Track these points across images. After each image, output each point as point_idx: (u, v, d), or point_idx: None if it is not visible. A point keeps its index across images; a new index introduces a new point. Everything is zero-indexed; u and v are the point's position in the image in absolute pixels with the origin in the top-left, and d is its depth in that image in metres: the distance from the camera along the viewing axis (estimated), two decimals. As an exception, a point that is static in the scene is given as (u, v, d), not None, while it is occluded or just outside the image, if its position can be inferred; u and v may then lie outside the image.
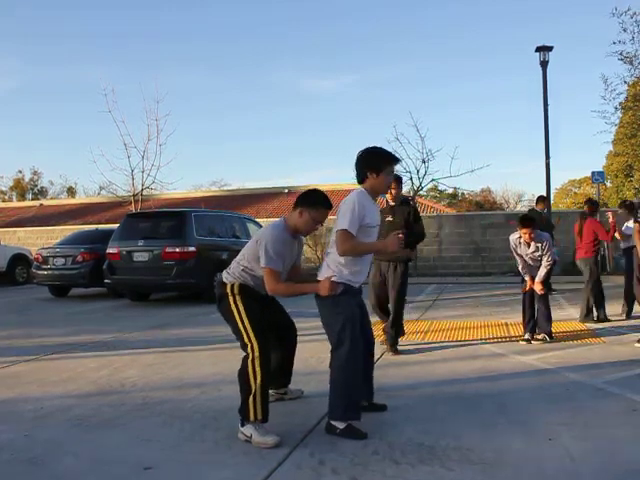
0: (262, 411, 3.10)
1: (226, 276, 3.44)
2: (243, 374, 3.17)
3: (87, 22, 68.97)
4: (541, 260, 5.71)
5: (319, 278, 3.28)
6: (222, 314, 3.42)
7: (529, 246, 5.72)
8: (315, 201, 3.37)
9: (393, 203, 5.35)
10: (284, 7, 70.88)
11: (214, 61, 75.86)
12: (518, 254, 5.86)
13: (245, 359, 3.20)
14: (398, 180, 5.38)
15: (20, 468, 2.85)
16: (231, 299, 3.33)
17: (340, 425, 3.16)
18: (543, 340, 5.75)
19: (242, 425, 3.14)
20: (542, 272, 5.69)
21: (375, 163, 3.33)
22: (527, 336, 5.80)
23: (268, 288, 3.28)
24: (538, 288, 5.73)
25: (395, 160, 3.43)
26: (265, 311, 3.46)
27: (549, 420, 3.37)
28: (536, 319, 5.85)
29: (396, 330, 5.35)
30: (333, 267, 3.26)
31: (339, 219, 3.23)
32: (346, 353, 3.17)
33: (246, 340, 3.22)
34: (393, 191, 5.24)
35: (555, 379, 4.32)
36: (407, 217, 5.35)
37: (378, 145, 3.46)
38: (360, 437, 3.11)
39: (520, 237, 5.76)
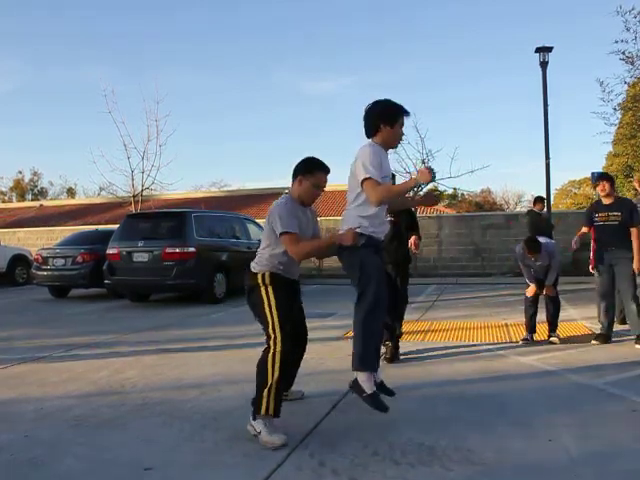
0: (274, 406, 3.09)
1: (254, 266, 3.38)
2: (262, 366, 3.14)
3: (87, 23, 69.09)
4: (548, 266, 5.73)
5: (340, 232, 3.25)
6: (251, 305, 3.37)
7: (537, 259, 5.75)
8: (311, 167, 3.37)
9: None
10: (284, 8, 70.99)
11: (214, 62, 75.97)
12: (525, 265, 5.85)
13: (266, 351, 3.17)
14: (392, 177, 5.33)
15: (20, 468, 2.85)
16: (263, 289, 3.28)
17: (367, 389, 3.14)
18: (557, 341, 5.70)
19: (254, 418, 3.12)
20: (552, 277, 5.73)
21: (389, 114, 3.26)
22: (527, 336, 5.81)
23: (291, 252, 3.21)
24: (549, 291, 5.76)
25: (407, 113, 3.36)
26: (293, 306, 3.43)
27: (549, 421, 3.37)
28: (547, 318, 5.87)
29: (399, 332, 5.33)
30: (353, 222, 3.22)
31: (359, 170, 3.15)
32: (368, 305, 3.12)
33: (270, 331, 3.19)
34: None
35: (555, 380, 4.32)
36: (408, 217, 5.37)
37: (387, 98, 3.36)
38: (382, 409, 3.12)
39: (523, 247, 5.79)
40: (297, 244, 3.20)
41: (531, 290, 5.86)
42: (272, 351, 3.14)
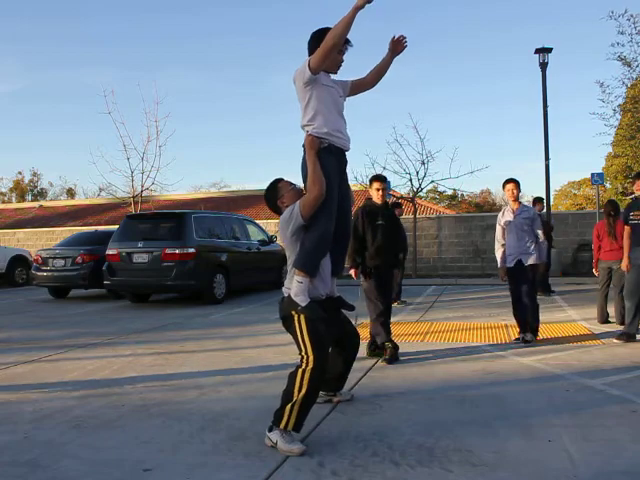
0: (295, 423, 3.00)
1: (285, 290, 3.32)
2: (291, 380, 3.08)
3: (87, 24, 69.15)
4: (528, 231, 5.73)
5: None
6: (286, 328, 3.31)
7: (514, 211, 5.81)
8: (277, 190, 3.45)
9: (380, 203, 5.29)
10: (284, 8, 71.04)
11: (214, 62, 76.03)
12: (502, 226, 5.89)
13: (298, 366, 3.11)
14: (383, 180, 5.36)
15: (19, 469, 2.84)
16: (296, 319, 3.18)
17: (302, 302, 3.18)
18: (531, 340, 5.64)
19: (270, 430, 3.05)
20: (543, 249, 5.78)
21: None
22: (525, 336, 5.76)
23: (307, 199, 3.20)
24: (541, 268, 5.82)
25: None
26: (330, 322, 3.35)
27: (549, 421, 3.37)
28: (526, 317, 5.79)
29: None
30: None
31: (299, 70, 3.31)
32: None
33: (303, 353, 3.12)
34: (381, 192, 5.22)
35: (555, 380, 4.32)
36: (396, 220, 5.44)
37: None
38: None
39: (506, 208, 5.91)
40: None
41: (502, 273, 5.89)
42: (303, 367, 3.06)
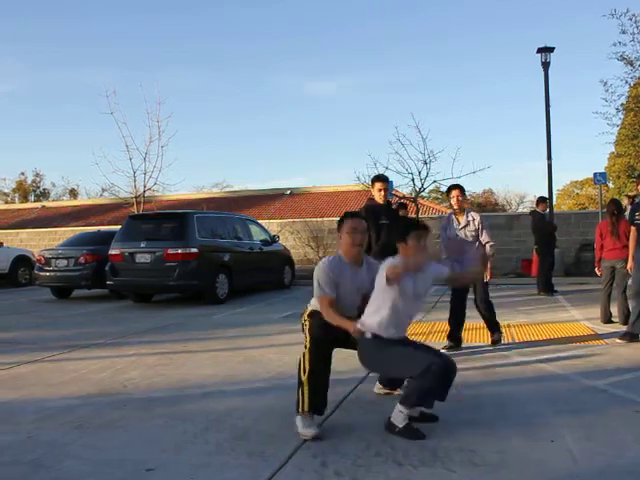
0: (308, 404, 3.21)
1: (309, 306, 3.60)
2: (298, 366, 3.32)
3: (88, 24, 69.30)
4: (475, 238, 5.41)
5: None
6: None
7: (459, 222, 5.45)
8: (340, 220, 3.60)
9: (382, 202, 5.31)
10: (284, 9, 71.07)
11: (216, 63, 76.10)
12: (448, 236, 5.54)
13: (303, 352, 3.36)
14: (385, 180, 5.36)
15: (22, 469, 2.85)
16: (304, 321, 3.50)
17: (400, 424, 3.14)
18: (499, 339, 5.56)
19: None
20: (488, 252, 5.35)
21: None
22: (450, 343, 5.58)
23: (320, 311, 3.41)
24: (488, 275, 5.50)
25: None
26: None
27: (552, 422, 3.36)
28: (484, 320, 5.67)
29: None
30: (366, 318, 3.33)
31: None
32: (418, 379, 3.11)
33: (304, 338, 3.40)
34: (383, 192, 5.24)
35: (558, 381, 4.31)
36: (400, 219, 5.46)
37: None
38: (419, 437, 3.10)
39: (450, 215, 5.55)
40: (325, 307, 3.36)
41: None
42: (304, 351, 3.31)
